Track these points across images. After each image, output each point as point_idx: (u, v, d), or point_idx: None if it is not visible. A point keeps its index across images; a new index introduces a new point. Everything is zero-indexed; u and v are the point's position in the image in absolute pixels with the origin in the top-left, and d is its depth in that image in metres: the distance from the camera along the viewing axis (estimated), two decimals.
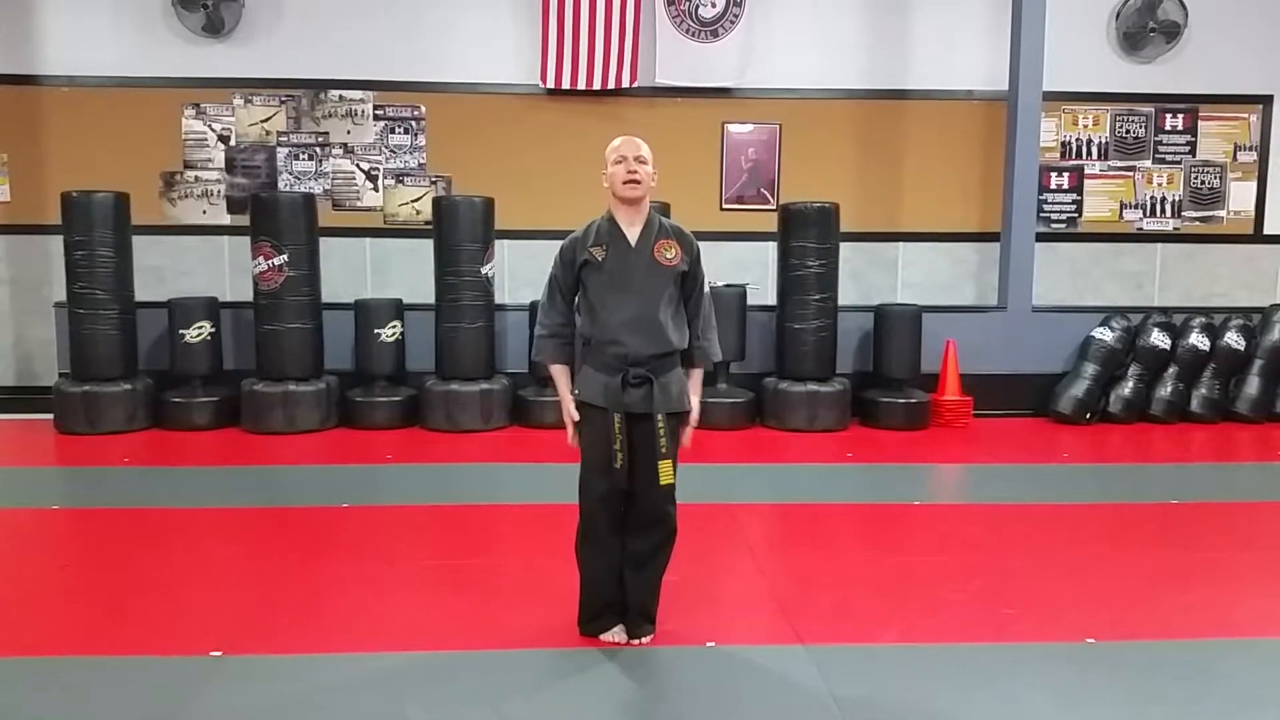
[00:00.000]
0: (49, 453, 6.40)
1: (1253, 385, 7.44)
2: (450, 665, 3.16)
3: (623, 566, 3.30)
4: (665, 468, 3.15)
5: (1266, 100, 8.30)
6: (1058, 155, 8.30)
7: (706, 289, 3.35)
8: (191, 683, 3.01)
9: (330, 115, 7.99)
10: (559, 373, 3.32)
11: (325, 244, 7.26)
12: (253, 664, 3.16)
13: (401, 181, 8.07)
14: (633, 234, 3.21)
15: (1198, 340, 7.42)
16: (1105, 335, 7.41)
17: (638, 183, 3.17)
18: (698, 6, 7.89)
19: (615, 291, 3.17)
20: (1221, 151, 8.35)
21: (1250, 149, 8.36)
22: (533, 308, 6.88)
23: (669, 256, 3.20)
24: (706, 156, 8.14)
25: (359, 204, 8.07)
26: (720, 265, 8.03)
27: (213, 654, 3.20)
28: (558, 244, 3.31)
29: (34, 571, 4.09)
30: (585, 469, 3.24)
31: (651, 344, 3.16)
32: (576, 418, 3.23)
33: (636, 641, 3.31)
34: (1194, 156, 8.35)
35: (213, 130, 7.95)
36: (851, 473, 6.02)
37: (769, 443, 6.75)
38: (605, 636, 3.31)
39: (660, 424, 3.14)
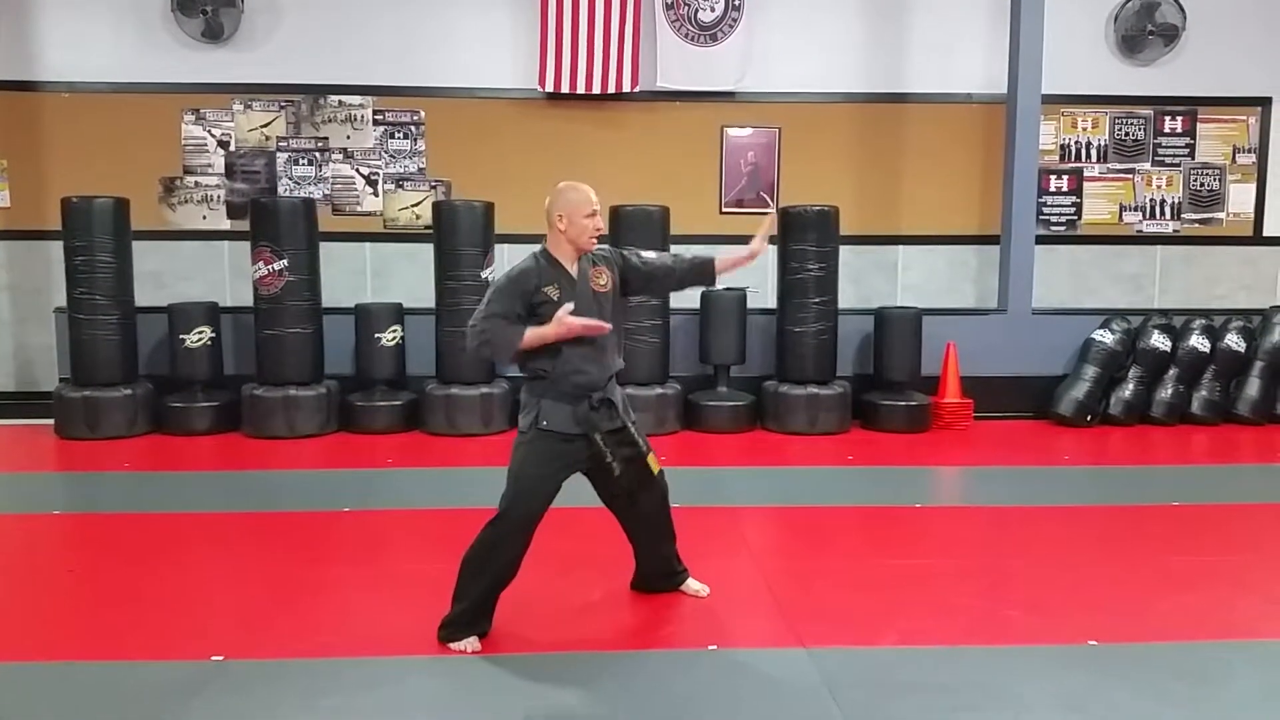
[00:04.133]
0: (49, 458, 6.40)
1: (1253, 387, 7.44)
2: (453, 669, 3.16)
3: (635, 537, 3.61)
4: (652, 459, 3.48)
5: (1265, 102, 8.30)
6: (1057, 158, 8.30)
7: (647, 255, 3.56)
8: (193, 687, 3.01)
9: (330, 120, 8.00)
10: (531, 334, 3.30)
11: (325, 249, 7.26)
12: (254, 669, 3.15)
13: (401, 186, 8.08)
14: (574, 270, 3.40)
15: (1198, 342, 7.41)
16: (1105, 337, 7.41)
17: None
18: (697, 11, 7.90)
19: None
20: (1220, 154, 8.36)
21: (1249, 151, 8.36)
22: None
23: (602, 283, 3.43)
24: (706, 160, 8.15)
25: (359, 209, 8.08)
26: None
27: (214, 659, 3.20)
28: None
29: (35, 577, 4.09)
30: (523, 486, 3.30)
31: (607, 369, 3.40)
32: (569, 314, 3.23)
33: (696, 588, 3.71)
34: (1193, 159, 8.36)
35: (212, 135, 7.95)
36: (852, 475, 6.01)
37: (769, 446, 6.75)
38: (458, 646, 3.29)
39: (633, 428, 3.42)
